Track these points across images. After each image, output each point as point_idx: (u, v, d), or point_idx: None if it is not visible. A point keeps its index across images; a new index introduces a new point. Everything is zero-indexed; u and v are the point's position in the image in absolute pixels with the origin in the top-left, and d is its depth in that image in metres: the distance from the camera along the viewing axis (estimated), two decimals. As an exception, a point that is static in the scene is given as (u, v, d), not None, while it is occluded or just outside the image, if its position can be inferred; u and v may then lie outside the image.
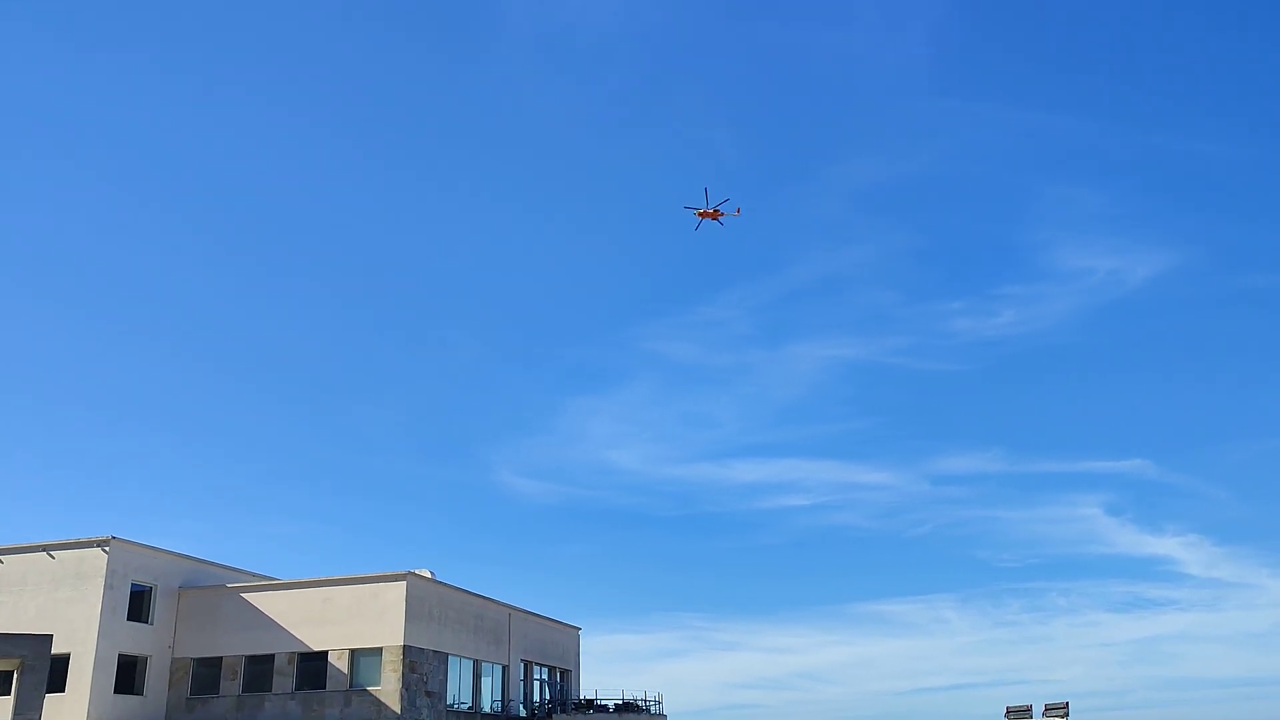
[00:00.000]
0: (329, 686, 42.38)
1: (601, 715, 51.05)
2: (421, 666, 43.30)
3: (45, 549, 42.27)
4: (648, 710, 53.67)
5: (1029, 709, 52.02)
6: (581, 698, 56.45)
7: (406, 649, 42.23)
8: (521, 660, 53.76)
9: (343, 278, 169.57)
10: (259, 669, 43.50)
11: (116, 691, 41.16)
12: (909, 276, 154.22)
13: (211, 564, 47.23)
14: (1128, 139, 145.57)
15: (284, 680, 42.96)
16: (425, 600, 44.57)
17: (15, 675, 8.43)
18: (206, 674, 44.00)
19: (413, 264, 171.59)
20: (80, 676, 39.50)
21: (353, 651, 42.66)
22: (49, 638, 8.81)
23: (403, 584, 43.14)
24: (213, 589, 45.28)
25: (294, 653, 43.19)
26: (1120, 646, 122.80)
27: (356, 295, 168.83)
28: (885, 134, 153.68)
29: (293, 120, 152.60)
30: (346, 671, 42.42)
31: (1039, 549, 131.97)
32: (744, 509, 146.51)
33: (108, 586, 41.14)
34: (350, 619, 42.98)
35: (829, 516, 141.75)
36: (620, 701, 52.98)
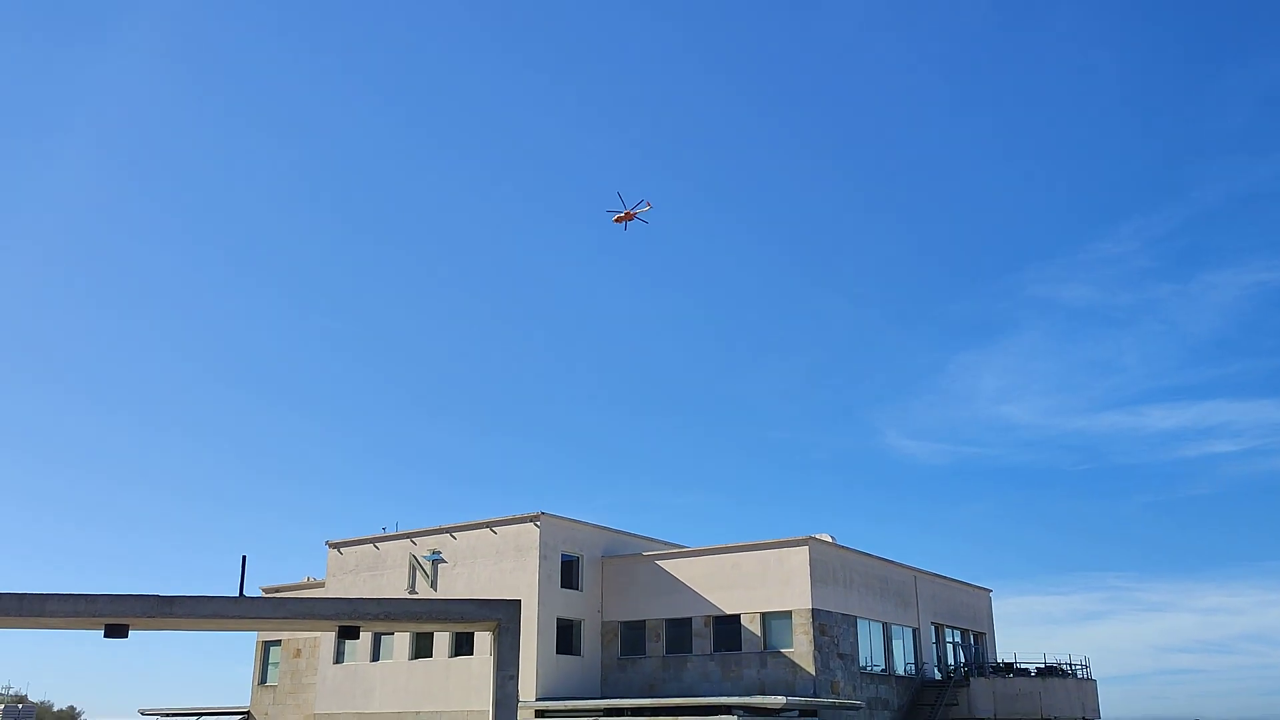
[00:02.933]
0: (744, 648, 43.98)
1: (1023, 679, 48.74)
2: (831, 629, 43.74)
3: (488, 525, 47.48)
4: (1073, 675, 50.54)
5: None
6: (999, 661, 54.32)
7: (815, 612, 42.82)
8: (932, 623, 52.70)
9: (734, 239, 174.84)
10: (679, 631, 46.06)
11: (558, 652, 45.44)
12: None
13: (628, 534, 50.66)
14: None
15: (702, 642, 45.17)
16: (829, 564, 44.94)
17: (493, 636, 9.71)
18: (632, 636, 47.31)
19: (781, 229, 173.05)
20: (528, 639, 43.90)
21: (763, 615, 43.95)
22: (518, 602, 10.04)
23: (805, 549, 43.76)
24: (631, 557, 48.54)
25: (709, 616, 45.26)
26: None
27: (733, 260, 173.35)
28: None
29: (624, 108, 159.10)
30: (759, 634, 43.79)
31: None
32: (1161, 459, 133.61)
33: (541, 557, 45.42)
34: (758, 583, 44.32)
35: (1266, 462, 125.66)
36: (1042, 665, 50.33)
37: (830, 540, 46.33)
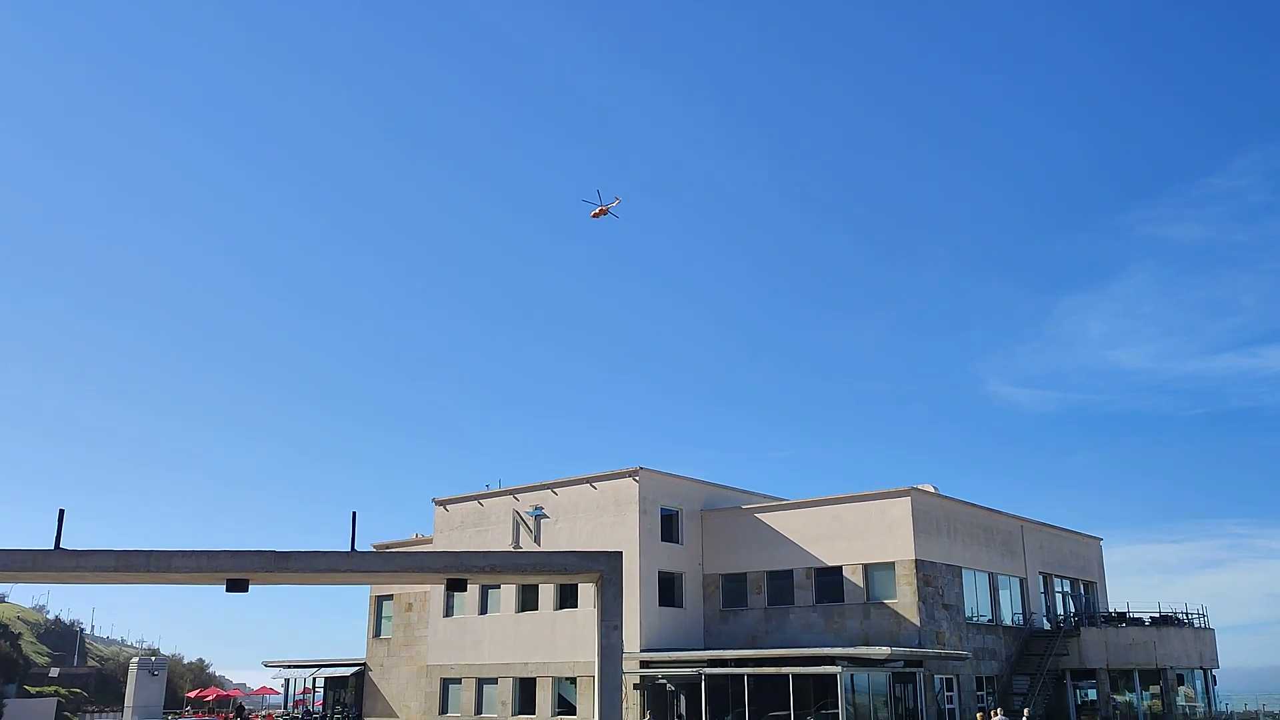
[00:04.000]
0: (846, 600, 43.83)
1: (1136, 629, 47.53)
2: (935, 580, 43.25)
3: (588, 481, 48.06)
4: (1189, 624, 49.10)
5: None
6: (1111, 610, 53.08)
7: (918, 563, 42.38)
8: (1039, 572, 51.70)
9: (825, 191, 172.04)
10: (780, 583, 46.10)
11: (660, 604, 45.95)
12: None
13: (727, 488, 50.75)
14: None
15: (804, 593, 45.14)
16: (932, 514, 44.35)
17: (596, 588, 9.88)
18: (734, 588, 47.54)
19: (878, 181, 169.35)
20: (630, 591, 44.52)
21: (865, 566, 43.68)
22: (619, 554, 10.17)
23: (907, 499, 43.26)
24: (731, 511, 48.65)
25: (810, 568, 45.17)
26: None
27: (835, 215, 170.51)
28: None
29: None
30: (862, 585, 43.57)
31: None
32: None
33: (641, 511, 45.84)
34: (860, 535, 44.01)
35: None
36: (1157, 615, 48.98)
37: (933, 490, 45.68)
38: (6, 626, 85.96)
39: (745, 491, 51.41)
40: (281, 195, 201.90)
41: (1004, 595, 48.65)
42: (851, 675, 39.23)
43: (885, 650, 39.04)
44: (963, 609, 44.68)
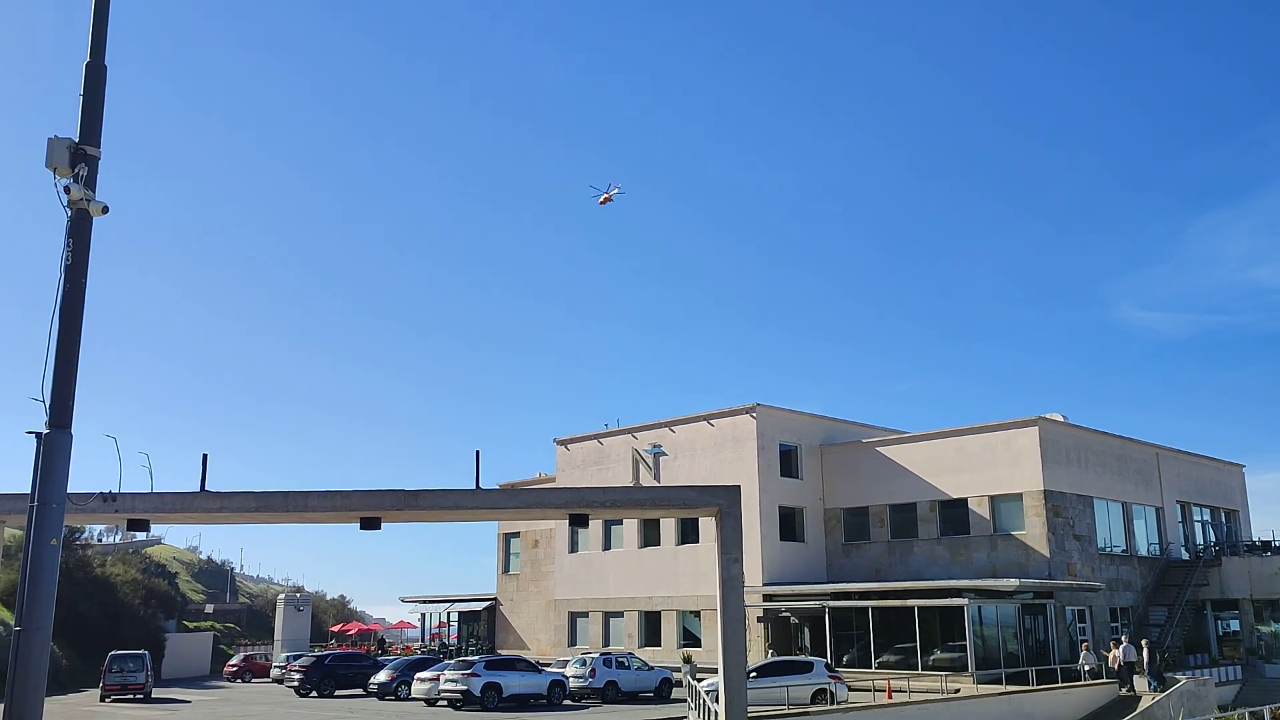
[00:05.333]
0: (972, 532, 43.14)
1: (1283, 558, 45.57)
2: (1065, 510, 42.17)
3: (705, 418, 48.23)
4: (1343, 553, 46.77)
5: None
6: (1254, 539, 50.94)
7: (1047, 494, 41.34)
8: (1177, 501, 49.86)
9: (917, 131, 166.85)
10: (903, 517, 45.65)
11: (781, 539, 46.08)
12: None
13: (846, 422, 50.28)
14: None
15: (928, 527, 44.62)
16: (1061, 444, 43.11)
17: (716, 522, 9.97)
18: (855, 522, 47.30)
19: (1002, 90, 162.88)
20: (750, 526, 44.57)
21: (992, 498, 42.85)
22: (738, 488, 10.21)
23: (1034, 429, 42.11)
24: (851, 445, 48.23)
25: (934, 501, 44.55)
26: None
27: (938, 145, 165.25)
28: None
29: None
30: (988, 517, 42.79)
31: None
32: None
33: (759, 447, 45.83)
34: (985, 466, 43.12)
35: None
36: (1306, 544, 46.84)
37: (1061, 419, 44.36)
38: (164, 566, 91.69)
39: (865, 425, 50.85)
40: (409, 145, 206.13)
41: (1139, 525, 47.14)
42: (979, 607, 38.74)
43: (1013, 582, 38.37)
44: (1095, 539, 43.49)
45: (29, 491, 8.53)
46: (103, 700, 43.28)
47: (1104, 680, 36.81)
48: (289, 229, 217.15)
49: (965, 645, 37.91)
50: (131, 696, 43.64)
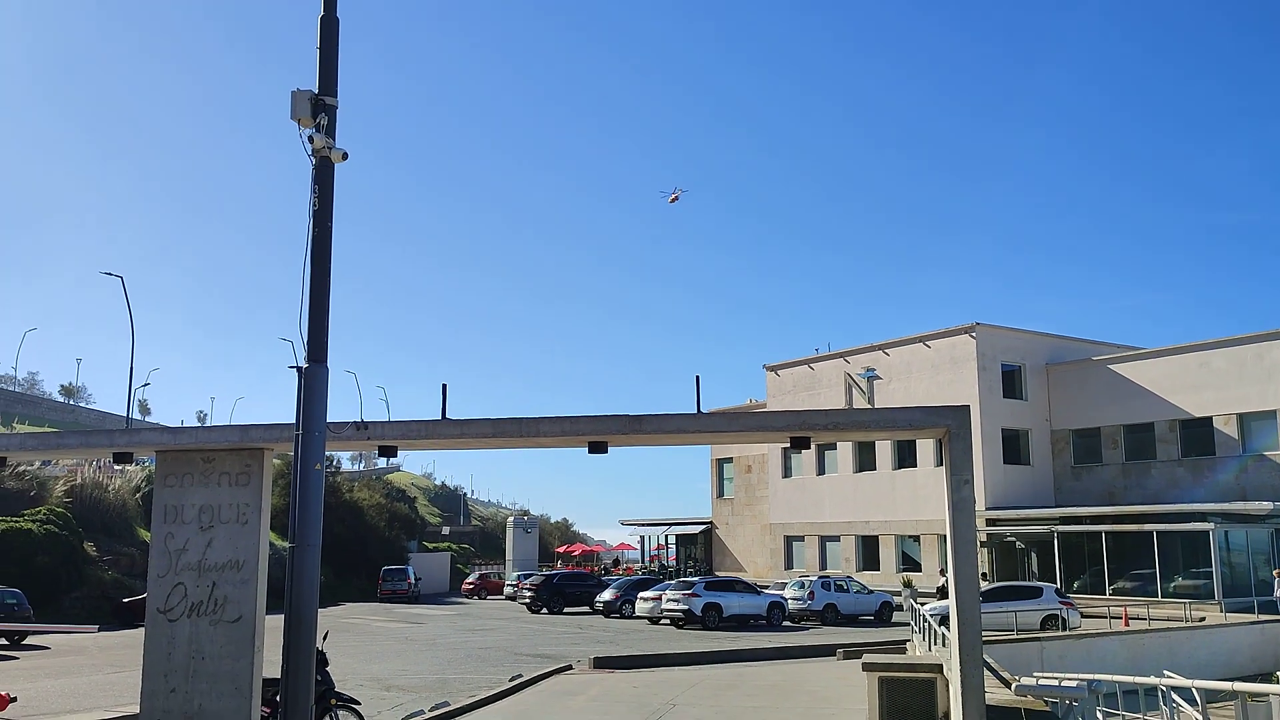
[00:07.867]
0: (1218, 453, 40.26)
1: None
2: (1328, 429, 38.64)
3: (921, 340, 46.88)
4: None
5: None
6: None
7: (1306, 410, 37.96)
8: None
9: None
10: (1139, 437, 43.10)
11: (1005, 462, 44.47)
12: None
13: (1073, 339, 47.73)
14: None
15: (1167, 447, 41.97)
16: (1322, 356, 39.39)
17: (944, 443, 9.70)
18: (1085, 444, 45.03)
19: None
20: (973, 449, 43.33)
21: (1240, 416, 39.78)
22: (967, 408, 9.81)
23: (1291, 341, 38.63)
24: (1079, 363, 45.76)
25: (1174, 420, 41.80)
26: None
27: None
28: None
29: None
30: (1236, 437, 39.79)
31: None
32: None
33: (980, 368, 44.19)
34: (1233, 382, 39.99)
35: None
36: None
37: (1323, 329, 40.43)
38: (404, 491, 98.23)
39: (1094, 342, 48.10)
40: (637, 84, 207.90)
41: None
42: (1226, 532, 36.30)
43: (1266, 505, 35.66)
44: (1363, 460, 39.72)
45: (293, 421, 9.25)
46: (380, 599, 55.59)
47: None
48: (517, 187, 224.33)
49: (1210, 572, 35.68)
50: (400, 599, 55.75)
